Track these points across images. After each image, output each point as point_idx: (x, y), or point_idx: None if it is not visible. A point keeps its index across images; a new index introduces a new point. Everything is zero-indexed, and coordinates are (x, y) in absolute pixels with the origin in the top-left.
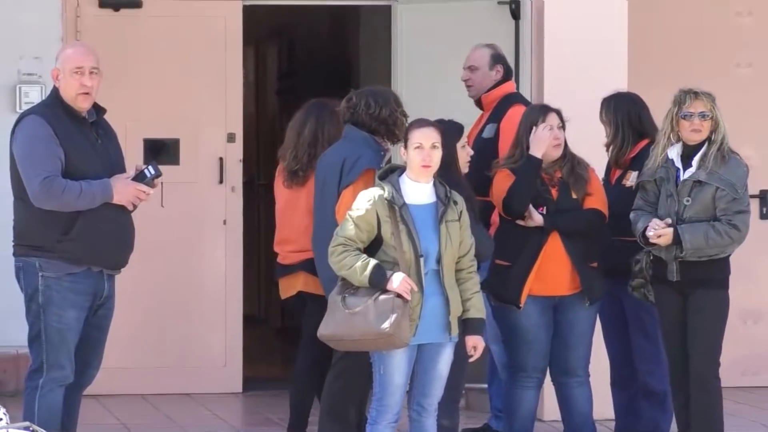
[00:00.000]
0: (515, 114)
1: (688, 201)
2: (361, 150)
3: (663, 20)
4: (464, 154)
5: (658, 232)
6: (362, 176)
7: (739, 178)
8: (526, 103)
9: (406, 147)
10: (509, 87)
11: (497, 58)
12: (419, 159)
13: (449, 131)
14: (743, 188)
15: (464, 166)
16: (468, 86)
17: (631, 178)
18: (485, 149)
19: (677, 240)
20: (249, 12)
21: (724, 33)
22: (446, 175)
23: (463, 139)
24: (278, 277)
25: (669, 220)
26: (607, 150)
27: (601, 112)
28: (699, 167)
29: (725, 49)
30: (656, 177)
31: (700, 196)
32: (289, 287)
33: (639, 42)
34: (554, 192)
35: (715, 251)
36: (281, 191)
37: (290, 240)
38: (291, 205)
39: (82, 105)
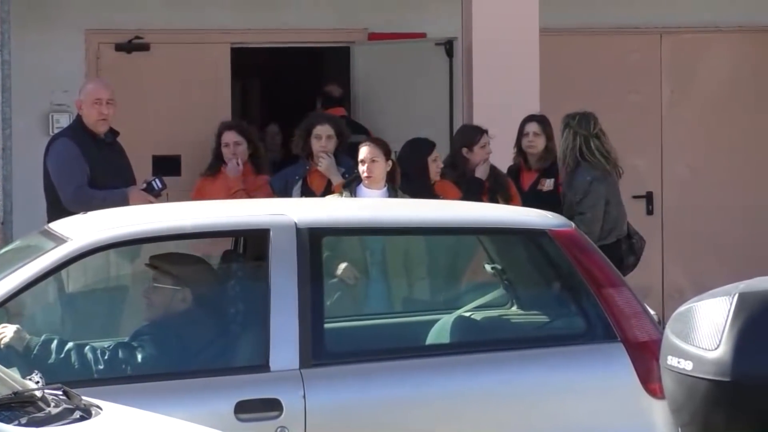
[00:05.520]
0: None
1: None
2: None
3: (569, 56)
4: (435, 166)
5: None
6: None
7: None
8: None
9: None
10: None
11: (319, 94)
12: (362, 170)
13: (421, 146)
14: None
15: (435, 176)
16: None
17: (547, 184)
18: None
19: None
20: (235, 53)
21: (619, 67)
22: (417, 184)
23: (434, 153)
24: None
25: None
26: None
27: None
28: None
29: (619, 79)
30: None
31: None
32: None
33: (549, 73)
34: (485, 198)
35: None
36: None
37: None
38: None
39: (101, 129)
